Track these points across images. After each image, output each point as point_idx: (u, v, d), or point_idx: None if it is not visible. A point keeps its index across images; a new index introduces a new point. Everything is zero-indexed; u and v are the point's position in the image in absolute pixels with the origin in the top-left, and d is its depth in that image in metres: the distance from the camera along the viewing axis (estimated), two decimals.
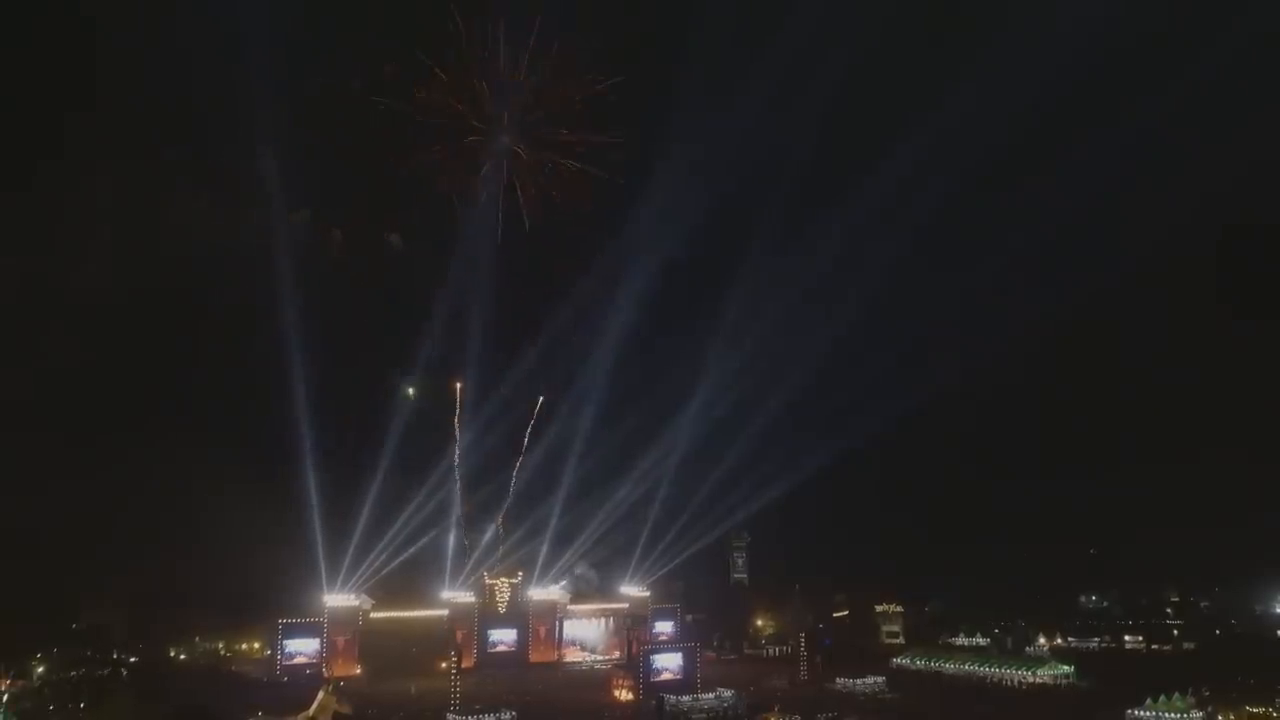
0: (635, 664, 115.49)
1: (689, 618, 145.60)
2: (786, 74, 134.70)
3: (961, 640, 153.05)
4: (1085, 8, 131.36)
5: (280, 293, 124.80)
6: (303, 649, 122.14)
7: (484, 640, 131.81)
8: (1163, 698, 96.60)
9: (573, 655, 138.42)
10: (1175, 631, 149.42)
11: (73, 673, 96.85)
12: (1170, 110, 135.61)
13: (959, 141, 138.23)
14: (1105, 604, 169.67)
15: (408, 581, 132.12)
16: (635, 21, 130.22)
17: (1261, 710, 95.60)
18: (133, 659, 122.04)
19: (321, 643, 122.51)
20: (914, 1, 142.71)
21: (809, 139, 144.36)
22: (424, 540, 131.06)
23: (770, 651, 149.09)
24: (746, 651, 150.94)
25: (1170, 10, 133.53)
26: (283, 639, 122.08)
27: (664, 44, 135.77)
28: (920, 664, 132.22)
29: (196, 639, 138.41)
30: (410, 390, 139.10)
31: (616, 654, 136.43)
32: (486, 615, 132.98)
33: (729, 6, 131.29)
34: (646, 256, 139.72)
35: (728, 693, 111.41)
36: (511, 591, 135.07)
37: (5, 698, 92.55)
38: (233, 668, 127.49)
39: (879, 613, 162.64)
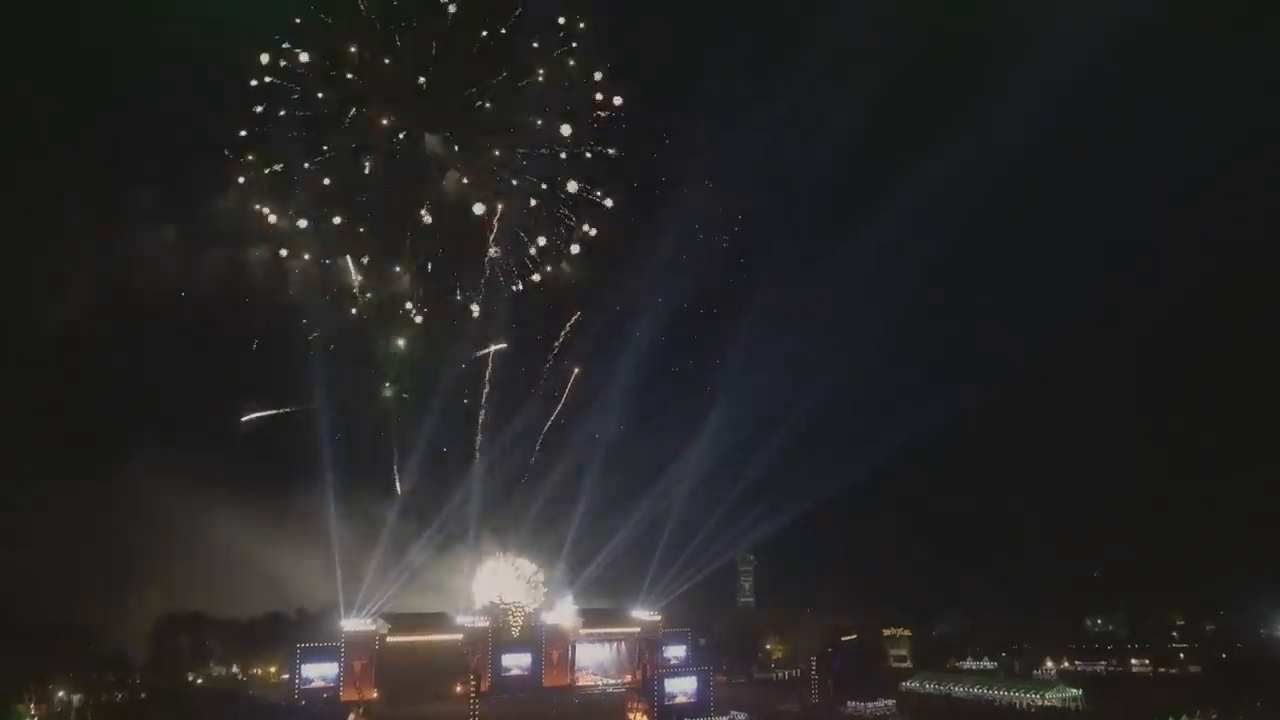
0: (650, 687, 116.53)
1: (702, 641, 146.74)
2: (809, 89, 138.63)
3: (969, 664, 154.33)
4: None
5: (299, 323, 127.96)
6: (321, 673, 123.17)
7: (498, 665, 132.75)
8: None
9: (585, 679, 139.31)
10: (1182, 655, 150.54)
11: (101, 697, 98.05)
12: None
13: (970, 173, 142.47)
14: (1111, 627, 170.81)
15: (423, 606, 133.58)
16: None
17: None
18: (147, 684, 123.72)
19: (339, 667, 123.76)
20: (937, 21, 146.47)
21: (830, 161, 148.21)
22: (441, 564, 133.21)
23: (780, 675, 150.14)
24: (756, 675, 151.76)
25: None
26: (300, 663, 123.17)
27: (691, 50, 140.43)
28: (930, 687, 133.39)
29: (212, 664, 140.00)
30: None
31: (629, 678, 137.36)
32: (500, 640, 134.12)
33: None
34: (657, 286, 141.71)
35: (741, 716, 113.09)
36: (525, 616, 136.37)
37: None
38: (250, 692, 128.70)
39: (887, 636, 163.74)
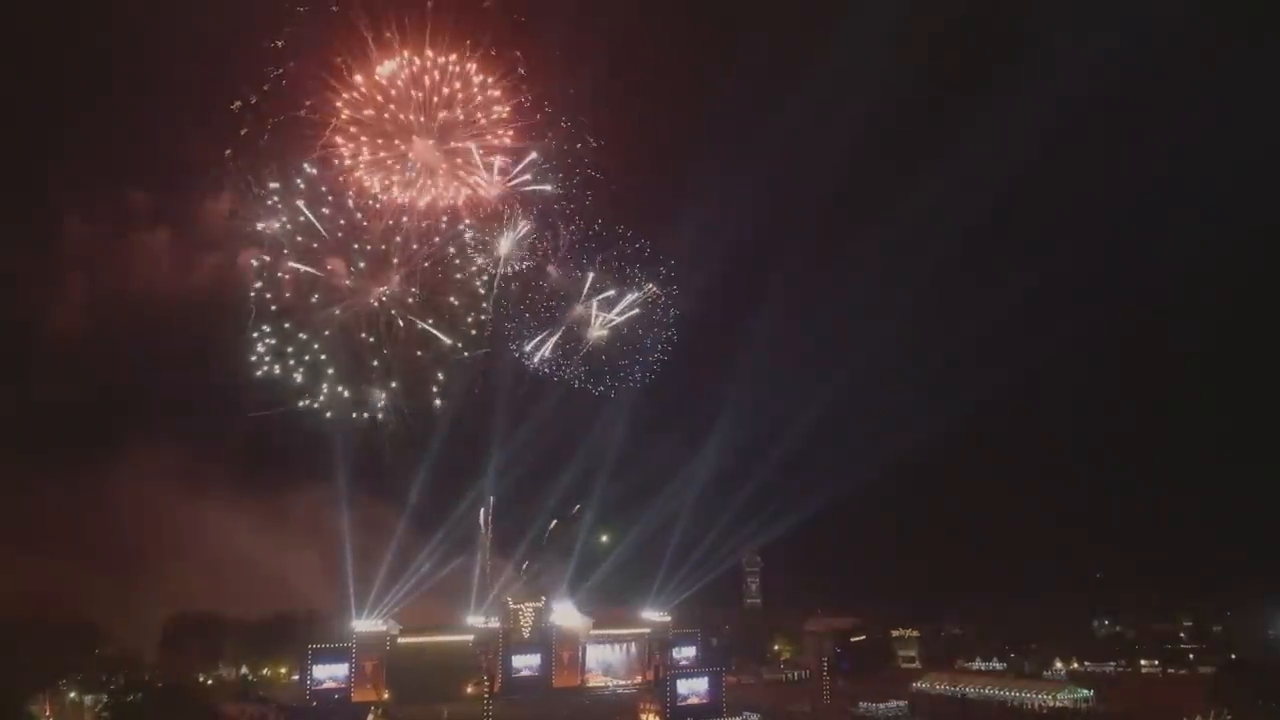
0: (662, 688, 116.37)
1: (714, 641, 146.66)
2: (814, 103, 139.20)
3: (977, 664, 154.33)
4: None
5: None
6: (331, 674, 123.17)
7: (508, 665, 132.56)
8: None
9: (594, 680, 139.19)
10: (1191, 655, 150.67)
11: (119, 698, 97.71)
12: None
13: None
14: (1118, 629, 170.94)
15: (434, 607, 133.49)
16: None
17: None
18: (160, 684, 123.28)
19: (350, 668, 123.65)
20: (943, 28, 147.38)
21: (834, 174, 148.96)
22: (451, 565, 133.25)
23: (790, 675, 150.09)
24: (766, 675, 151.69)
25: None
26: (312, 664, 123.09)
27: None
28: (940, 688, 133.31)
29: (221, 664, 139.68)
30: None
31: (638, 678, 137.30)
32: (510, 641, 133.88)
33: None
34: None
35: (754, 716, 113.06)
36: (535, 616, 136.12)
37: None
38: (260, 693, 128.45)
39: (895, 637, 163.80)
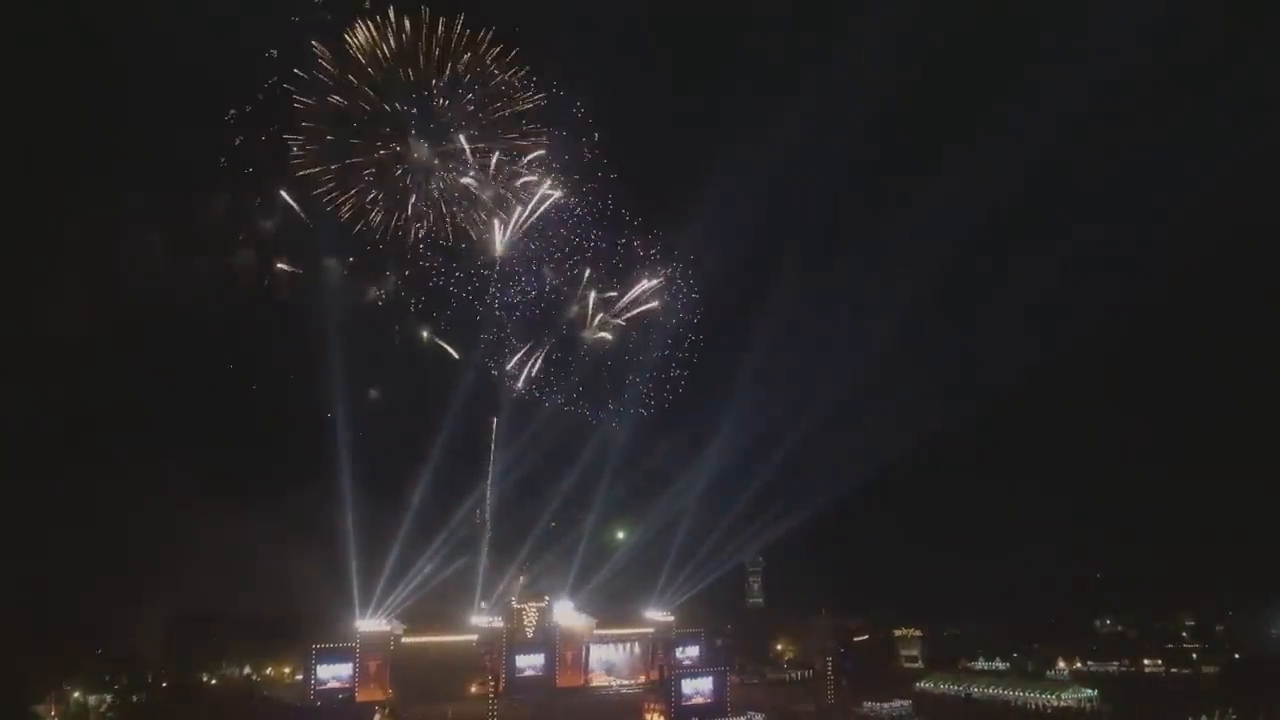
0: (667, 688, 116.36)
1: (719, 641, 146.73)
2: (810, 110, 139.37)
3: (980, 664, 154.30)
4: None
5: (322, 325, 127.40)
6: (335, 674, 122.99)
7: (511, 665, 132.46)
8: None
9: (598, 680, 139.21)
10: (1194, 655, 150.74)
11: (133, 697, 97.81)
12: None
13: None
14: (1120, 628, 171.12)
15: (438, 606, 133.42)
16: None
17: None
18: (164, 684, 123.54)
19: (354, 668, 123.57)
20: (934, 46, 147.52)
21: (833, 178, 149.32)
22: (455, 565, 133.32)
23: (794, 675, 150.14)
24: (770, 675, 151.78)
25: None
26: (315, 664, 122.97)
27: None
28: (945, 688, 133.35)
29: (224, 664, 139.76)
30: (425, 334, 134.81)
31: (642, 678, 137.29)
32: (514, 640, 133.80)
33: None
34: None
35: (758, 716, 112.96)
36: (538, 616, 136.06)
37: None
38: (264, 692, 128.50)
39: (898, 637, 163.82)
